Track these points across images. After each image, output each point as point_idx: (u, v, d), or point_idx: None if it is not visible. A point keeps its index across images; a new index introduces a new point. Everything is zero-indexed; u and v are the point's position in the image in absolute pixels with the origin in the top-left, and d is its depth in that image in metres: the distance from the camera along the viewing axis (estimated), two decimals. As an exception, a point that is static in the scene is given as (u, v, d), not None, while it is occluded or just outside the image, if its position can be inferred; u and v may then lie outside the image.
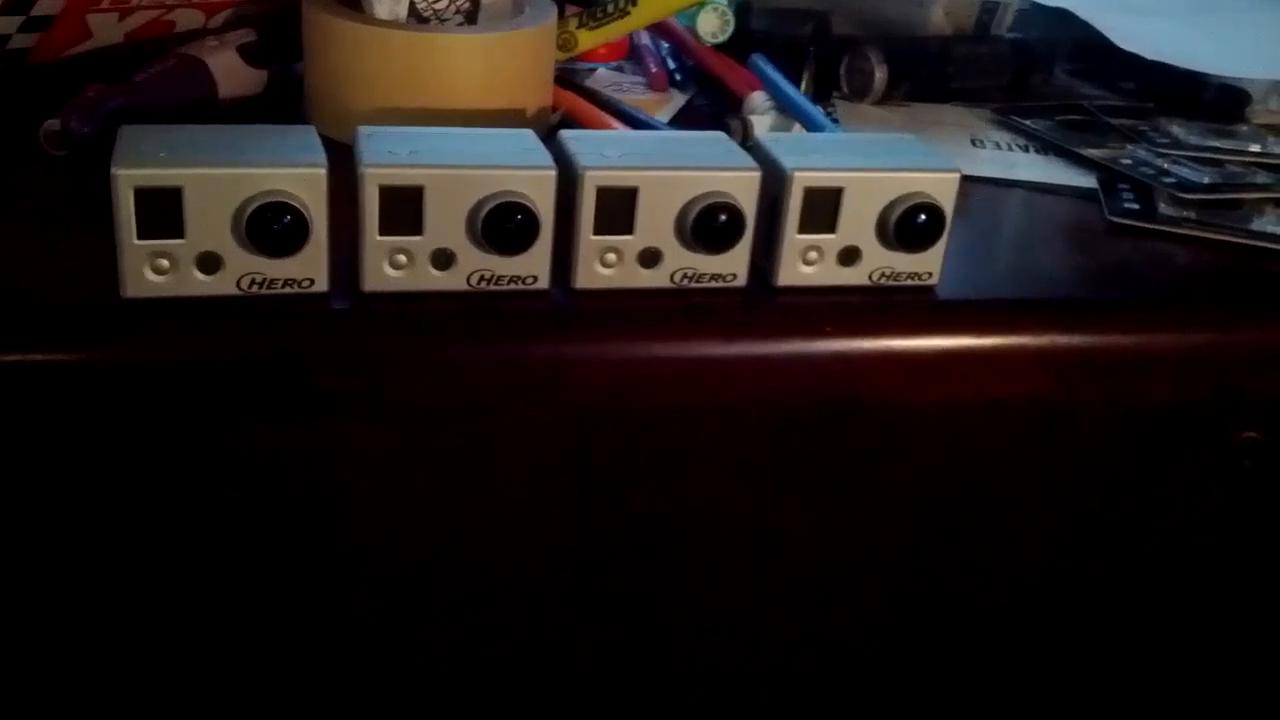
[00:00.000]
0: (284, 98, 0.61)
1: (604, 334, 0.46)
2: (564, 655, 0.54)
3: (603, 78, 0.71)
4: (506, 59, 0.57)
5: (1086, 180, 0.61)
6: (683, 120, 0.66)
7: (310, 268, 0.43)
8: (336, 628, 0.51)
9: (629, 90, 0.69)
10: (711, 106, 0.68)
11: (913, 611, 0.57)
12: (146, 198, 0.41)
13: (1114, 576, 0.58)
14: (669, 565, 0.53)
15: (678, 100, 0.68)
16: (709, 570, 0.53)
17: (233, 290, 0.43)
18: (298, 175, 0.42)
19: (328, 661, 0.51)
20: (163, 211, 0.41)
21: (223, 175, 0.41)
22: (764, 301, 0.47)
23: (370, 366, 0.44)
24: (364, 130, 0.45)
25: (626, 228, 0.45)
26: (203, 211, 0.41)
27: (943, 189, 0.47)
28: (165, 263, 0.42)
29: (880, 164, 0.47)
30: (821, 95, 0.69)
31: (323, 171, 0.42)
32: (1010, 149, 0.65)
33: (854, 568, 0.55)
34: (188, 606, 0.48)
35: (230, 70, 0.58)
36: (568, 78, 0.65)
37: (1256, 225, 0.57)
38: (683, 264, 0.46)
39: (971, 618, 0.58)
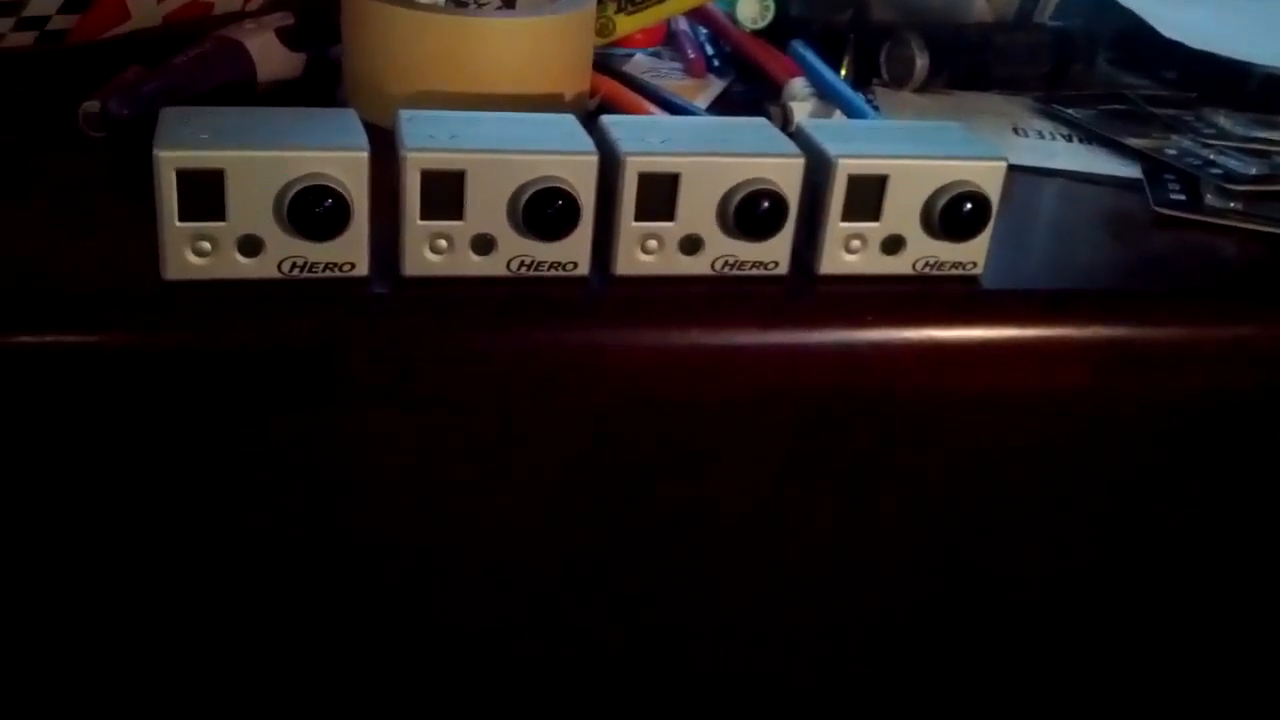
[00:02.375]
0: (321, 81, 0.61)
1: (643, 321, 0.46)
2: (588, 644, 0.54)
3: (640, 63, 0.70)
4: (545, 44, 0.57)
5: (1129, 170, 0.61)
6: (721, 106, 0.65)
7: (351, 252, 0.43)
8: (366, 611, 0.51)
9: (666, 76, 0.69)
10: (750, 93, 0.68)
11: (946, 605, 0.56)
12: (189, 180, 0.40)
13: (1151, 570, 0.57)
14: (698, 556, 0.52)
15: (716, 86, 0.68)
16: (737, 561, 0.53)
17: (273, 273, 0.43)
18: (340, 158, 0.41)
19: (351, 645, 0.51)
20: (204, 194, 0.41)
21: (265, 158, 0.41)
22: (805, 290, 0.47)
23: (409, 351, 0.44)
24: (405, 114, 0.45)
25: (668, 214, 0.45)
26: (244, 194, 0.41)
27: (989, 178, 0.46)
28: (206, 245, 0.42)
29: (925, 152, 0.46)
30: (861, 82, 0.68)
31: (365, 155, 0.42)
32: (1052, 138, 0.64)
33: (887, 560, 0.54)
34: (218, 588, 0.48)
35: (268, 53, 0.58)
36: (605, 63, 0.65)
37: (1304, 217, 0.56)
38: (724, 251, 0.46)
39: (1009, 611, 0.57)
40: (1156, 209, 0.56)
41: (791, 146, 0.46)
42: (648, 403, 0.48)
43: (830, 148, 0.46)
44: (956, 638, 0.58)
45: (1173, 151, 0.61)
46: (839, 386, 0.48)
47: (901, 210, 0.46)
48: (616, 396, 0.47)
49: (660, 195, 0.45)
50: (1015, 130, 0.65)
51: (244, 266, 0.42)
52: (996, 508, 0.54)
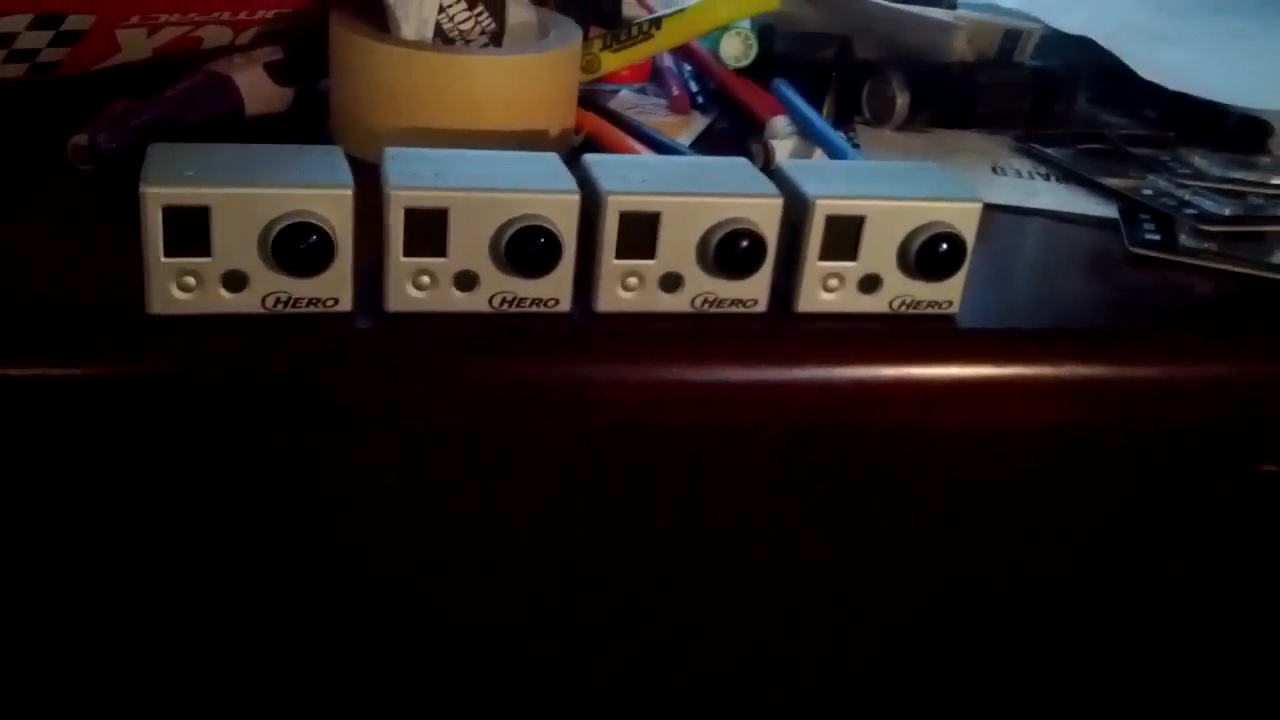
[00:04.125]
0: (309, 114, 0.61)
1: (623, 356, 0.46)
2: (579, 676, 0.54)
3: (625, 99, 0.71)
4: (531, 81, 0.58)
5: (1106, 210, 0.61)
6: (704, 143, 0.66)
7: (335, 287, 0.43)
8: (354, 642, 0.51)
9: (651, 112, 0.69)
10: (733, 130, 0.68)
11: (926, 635, 0.57)
12: (174, 216, 0.41)
13: (1131, 605, 0.58)
14: (684, 586, 0.53)
15: (700, 123, 0.69)
16: (723, 592, 0.53)
17: (258, 309, 0.43)
18: (324, 195, 0.42)
19: (341, 673, 0.52)
20: (190, 230, 0.41)
21: (250, 195, 0.41)
22: (784, 327, 0.48)
23: (392, 386, 0.44)
24: (390, 151, 0.45)
25: (648, 252, 0.46)
26: (230, 230, 0.42)
27: (964, 219, 0.47)
28: (191, 280, 0.42)
29: (902, 193, 0.47)
30: (843, 120, 0.69)
31: (349, 192, 0.42)
32: (1031, 177, 0.65)
33: (868, 592, 0.55)
34: (206, 618, 0.49)
35: (257, 87, 0.59)
36: (591, 99, 0.65)
37: (1278, 258, 0.57)
38: (704, 289, 0.47)
39: (986, 642, 0.58)
40: (1132, 249, 0.57)
41: (770, 187, 0.47)
42: (628, 437, 0.49)
43: (808, 188, 0.46)
44: (938, 668, 0.58)
45: (1149, 191, 0.62)
46: (816, 422, 0.48)
47: (878, 250, 0.47)
48: (599, 433, 0.48)
49: (641, 233, 0.45)
50: (994, 169, 0.66)
51: (228, 301, 0.43)
52: (978, 541, 0.54)
